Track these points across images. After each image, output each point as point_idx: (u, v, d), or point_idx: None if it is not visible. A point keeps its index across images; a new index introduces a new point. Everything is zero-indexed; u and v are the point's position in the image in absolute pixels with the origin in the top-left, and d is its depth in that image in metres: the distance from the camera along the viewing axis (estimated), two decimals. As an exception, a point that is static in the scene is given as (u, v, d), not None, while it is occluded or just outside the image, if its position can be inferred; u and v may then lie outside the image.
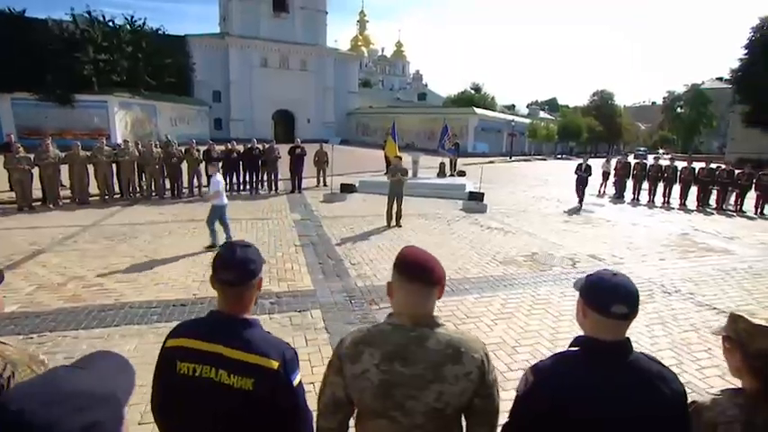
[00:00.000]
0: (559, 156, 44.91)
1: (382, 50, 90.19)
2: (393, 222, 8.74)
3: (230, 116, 38.59)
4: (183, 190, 11.87)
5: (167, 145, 12.03)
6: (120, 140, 24.73)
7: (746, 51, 34.20)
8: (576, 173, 12.67)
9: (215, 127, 37.25)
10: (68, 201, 10.53)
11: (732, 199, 13.73)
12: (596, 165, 33.79)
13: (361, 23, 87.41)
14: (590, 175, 12.48)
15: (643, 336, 4.34)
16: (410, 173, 14.87)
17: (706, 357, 4.00)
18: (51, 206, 10.03)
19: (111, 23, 27.60)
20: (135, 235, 7.54)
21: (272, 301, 4.80)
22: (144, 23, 29.96)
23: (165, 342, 1.33)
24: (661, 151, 53.13)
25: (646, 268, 6.66)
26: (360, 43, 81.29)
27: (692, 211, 13.02)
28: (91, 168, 10.59)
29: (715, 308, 5.20)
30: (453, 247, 7.33)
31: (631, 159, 18.00)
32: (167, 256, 6.40)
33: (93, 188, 10.81)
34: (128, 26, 28.50)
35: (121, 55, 26.47)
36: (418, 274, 1.24)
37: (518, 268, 6.40)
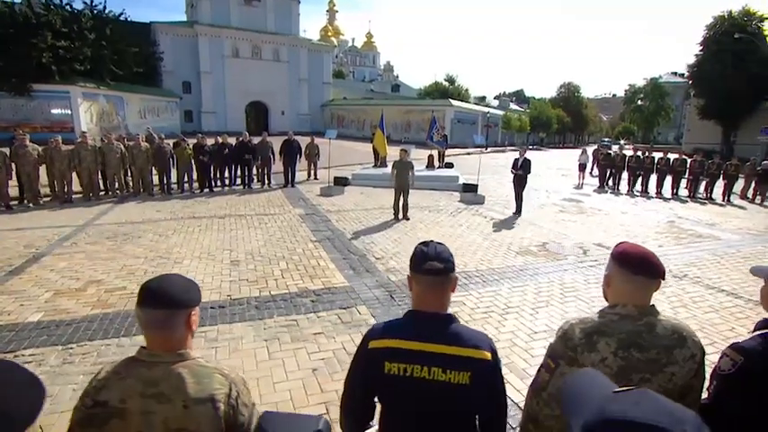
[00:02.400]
0: (531, 147, 46.21)
1: (353, 41, 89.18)
2: (400, 215, 8.77)
3: (201, 108, 37.06)
4: (173, 185, 11.37)
5: (152, 139, 11.47)
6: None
7: (701, 48, 36.33)
8: (511, 171, 9.97)
9: (185, 119, 35.68)
10: (48, 199, 9.87)
11: (702, 187, 14.69)
12: (563, 156, 35.22)
13: (331, 13, 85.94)
14: (529, 173, 9.76)
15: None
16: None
17: (733, 336, 4.30)
18: (31, 205, 9.36)
19: (69, 8, 25.70)
20: (138, 234, 7.17)
21: (312, 299, 4.73)
22: (105, 8, 28.13)
23: (365, 344, 1.32)
24: (622, 142, 55.72)
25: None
26: (329, 34, 79.93)
27: (669, 199, 13.82)
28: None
29: (723, 290, 5.60)
30: (468, 240, 7.46)
31: (589, 149, 18.77)
32: (181, 255, 6.15)
33: (75, 185, 10.16)
34: (88, 11, 26.64)
35: (83, 42, 24.71)
36: (644, 267, 1.31)
37: (535, 258, 6.61)
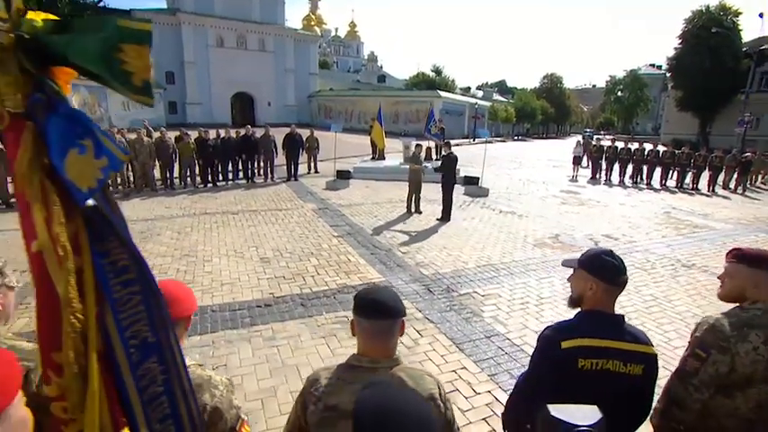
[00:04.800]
0: (516, 137, 46.96)
1: (336, 31, 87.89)
2: (413, 209, 8.91)
3: (186, 99, 36.05)
4: (175, 180, 11.19)
5: (150, 133, 11.22)
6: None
7: (680, 42, 37.42)
8: (439, 170, 8.58)
9: (170, 111, 34.67)
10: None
11: (689, 178, 15.34)
12: (549, 146, 35.92)
13: (313, 2, 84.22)
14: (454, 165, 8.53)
15: (693, 306, 4.94)
16: (402, 158, 15.06)
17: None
18: (32, 203, 9.07)
19: (43, -8, 24.48)
20: (156, 232, 7.10)
21: (354, 294, 4.83)
22: (82, -6, 26.87)
23: (555, 344, 1.46)
24: (602, 132, 57.18)
25: (656, 245, 7.41)
26: (312, 23, 78.39)
27: (659, 189, 14.39)
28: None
29: (731, 278, 5.97)
30: (485, 232, 7.67)
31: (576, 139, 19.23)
32: (208, 253, 6.14)
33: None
34: (64, -3, 25.42)
35: (61, 30, 23.68)
36: None
37: (552, 250, 6.87)
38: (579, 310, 1.56)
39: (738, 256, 1.61)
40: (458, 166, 9.10)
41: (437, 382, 1.31)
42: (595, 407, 1.01)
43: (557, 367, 1.46)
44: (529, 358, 3.80)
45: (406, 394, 0.83)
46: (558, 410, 0.98)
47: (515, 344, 3.93)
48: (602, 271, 1.46)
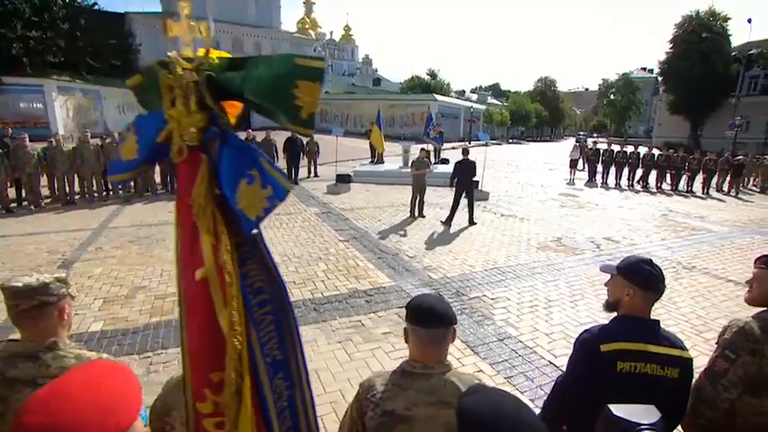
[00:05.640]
0: (511, 140, 47.30)
1: (330, 34, 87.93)
2: (417, 213, 8.98)
3: (181, 102, 35.90)
4: (175, 185, 11.15)
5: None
6: (60, 129, 22.35)
7: (671, 46, 38.04)
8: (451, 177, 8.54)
9: (164, 114, 34.48)
10: (49, 201, 9.53)
11: (683, 181, 15.59)
12: (543, 149, 36.20)
13: (308, 5, 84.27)
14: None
15: (697, 308, 5.05)
16: (401, 162, 15.14)
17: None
18: (33, 207, 9.02)
19: (37, -5, 24.31)
20: (161, 237, 7.09)
21: (366, 299, 4.89)
22: (76, -3, 26.73)
23: (594, 348, 1.53)
24: (596, 135, 57.72)
25: (657, 248, 7.54)
26: (307, 26, 78.48)
27: (655, 192, 14.61)
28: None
29: (731, 280, 6.10)
30: (488, 236, 7.76)
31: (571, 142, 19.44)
32: (216, 258, 6.15)
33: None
34: (59, 0, 25.26)
35: (56, 33, 23.48)
36: None
37: (555, 253, 6.97)
38: (615, 314, 1.63)
39: (767, 263, 1.71)
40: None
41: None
42: (653, 406, 1.07)
43: (595, 370, 1.53)
44: (542, 360, 3.88)
45: (514, 400, 0.88)
46: (620, 409, 1.05)
47: (528, 346, 4.00)
48: (640, 279, 1.53)
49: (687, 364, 1.51)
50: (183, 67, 0.76)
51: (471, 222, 8.49)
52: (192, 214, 0.78)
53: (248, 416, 0.78)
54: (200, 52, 0.79)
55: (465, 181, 8.35)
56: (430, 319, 1.32)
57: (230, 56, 0.82)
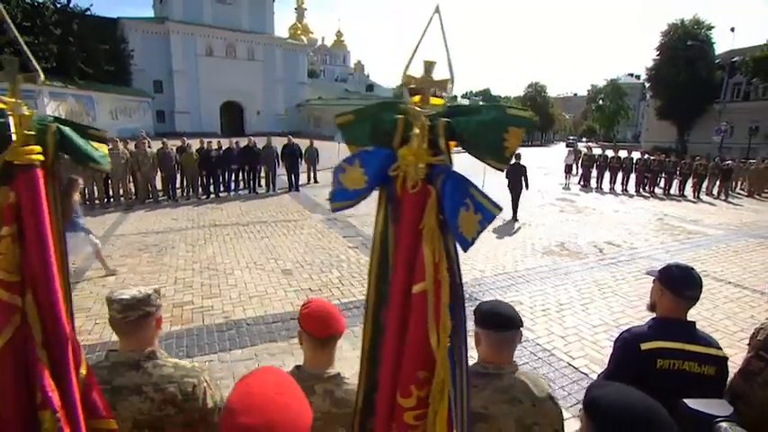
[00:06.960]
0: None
1: (322, 40, 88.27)
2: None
3: (175, 108, 35.72)
4: (177, 191, 11.14)
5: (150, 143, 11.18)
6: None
7: (658, 53, 39.01)
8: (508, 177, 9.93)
9: (158, 120, 34.29)
10: (50, 209, 9.44)
11: (675, 185, 15.99)
12: (536, 154, 36.76)
13: (300, 11, 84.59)
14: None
15: (702, 310, 5.21)
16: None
17: (753, 323, 4.95)
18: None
19: (29, 1, 24.12)
20: (170, 245, 7.10)
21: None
22: (69, 1, 26.59)
23: (634, 346, 1.64)
24: (585, 140, 58.73)
25: (657, 252, 7.75)
26: (299, 32, 78.69)
27: (648, 197, 14.95)
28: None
29: (731, 282, 6.31)
30: (495, 242, 7.90)
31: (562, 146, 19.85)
32: (229, 266, 6.19)
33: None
34: (51, 5, 25.09)
35: (48, 38, 23.30)
36: None
37: (561, 258, 7.13)
38: (654, 316, 1.75)
39: None
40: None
41: (549, 382, 1.48)
42: (725, 401, 1.18)
43: (636, 367, 1.64)
44: (561, 362, 3.98)
45: (642, 396, 0.96)
46: (695, 404, 1.15)
47: (546, 349, 4.11)
48: (669, 281, 1.66)
49: (723, 362, 1.61)
50: (424, 114, 0.87)
51: (514, 219, 9.74)
52: (411, 235, 0.91)
53: (445, 406, 0.88)
54: (434, 101, 0.91)
55: (515, 182, 9.67)
56: (502, 324, 1.43)
57: (445, 103, 0.94)
